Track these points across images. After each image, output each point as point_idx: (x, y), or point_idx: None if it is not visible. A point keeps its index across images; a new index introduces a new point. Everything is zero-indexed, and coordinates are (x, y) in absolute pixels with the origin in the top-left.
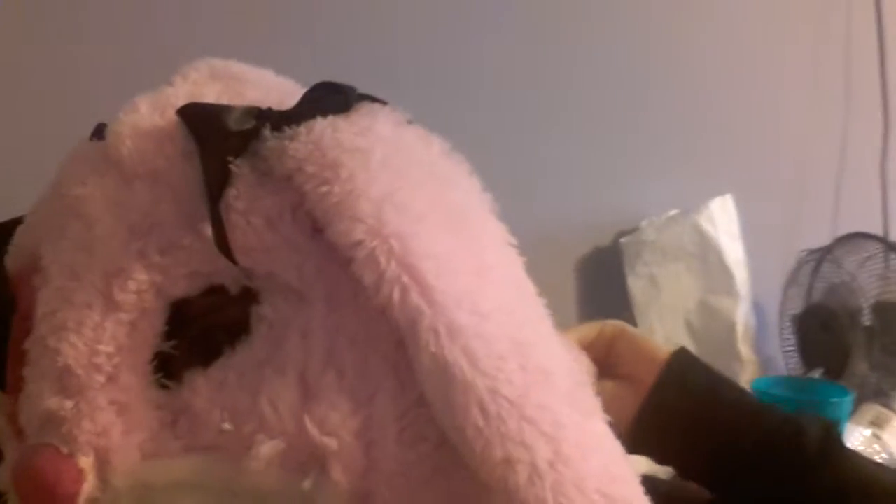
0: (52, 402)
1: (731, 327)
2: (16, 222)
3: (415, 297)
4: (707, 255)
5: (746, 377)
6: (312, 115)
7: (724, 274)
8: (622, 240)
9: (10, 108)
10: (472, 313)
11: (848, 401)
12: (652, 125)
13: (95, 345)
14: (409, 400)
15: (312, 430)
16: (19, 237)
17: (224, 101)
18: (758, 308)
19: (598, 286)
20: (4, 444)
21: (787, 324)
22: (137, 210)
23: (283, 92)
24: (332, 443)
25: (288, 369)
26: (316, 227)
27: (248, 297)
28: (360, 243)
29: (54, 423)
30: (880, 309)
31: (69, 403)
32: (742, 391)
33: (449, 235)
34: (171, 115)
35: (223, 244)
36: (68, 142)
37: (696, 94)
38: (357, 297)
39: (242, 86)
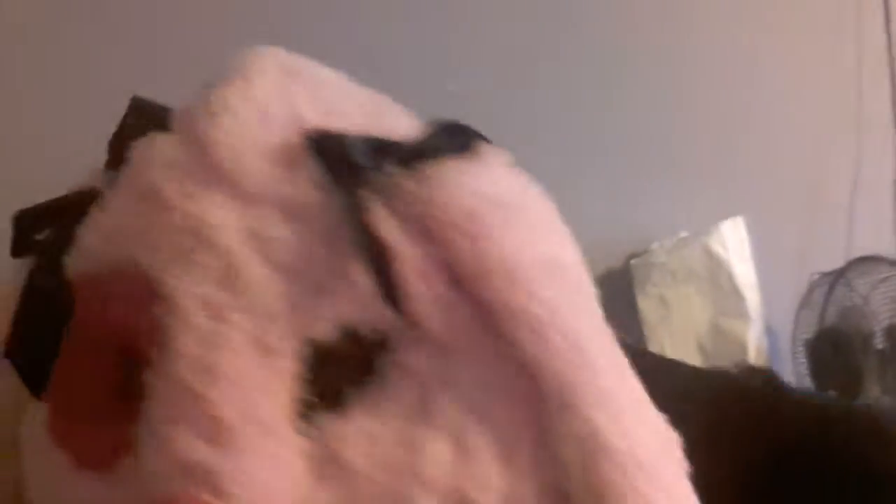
0: (200, 451)
1: (742, 350)
2: (54, 209)
3: (566, 363)
4: (718, 277)
5: None
6: (439, 155)
7: (735, 296)
8: (632, 261)
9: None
10: (613, 377)
11: None
12: (662, 147)
13: (249, 392)
14: (546, 456)
15: (466, 485)
16: (90, 238)
17: (318, 110)
18: (770, 331)
19: (608, 307)
20: (32, 454)
21: (800, 347)
22: (282, 248)
23: (371, 105)
24: (484, 499)
25: (439, 424)
26: (457, 277)
27: (384, 343)
28: (512, 305)
29: (201, 472)
30: (893, 332)
31: (219, 453)
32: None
33: (576, 295)
34: (278, 127)
35: (390, 293)
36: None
37: (707, 115)
38: (502, 352)
39: (325, 90)
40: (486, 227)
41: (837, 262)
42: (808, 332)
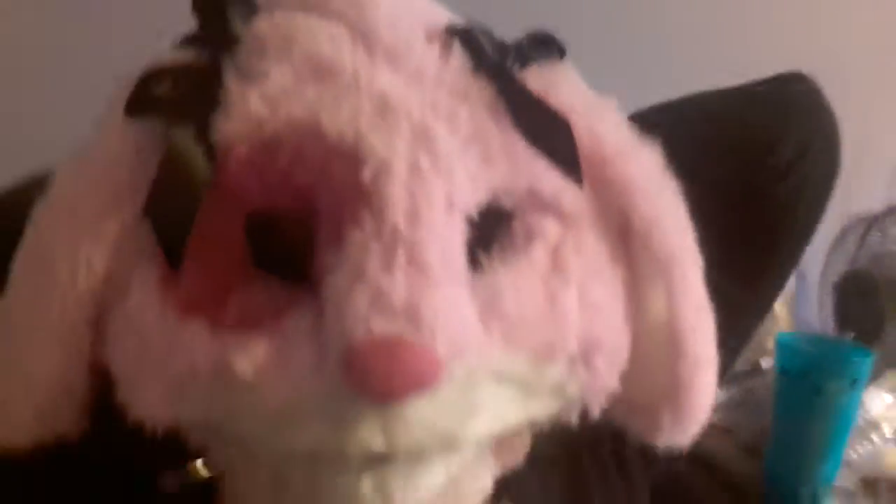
0: (404, 291)
1: None
2: (180, 70)
3: (674, 247)
4: None
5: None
6: (542, 58)
7: None
8: None
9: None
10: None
11: (868, 361)
12: None
13: (446, 241)
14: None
15: (594, 331)
16: (253, 103)
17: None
18: (799, 273)
19: None
20: (138, 332)
21: (828, 289)
22: (460, 119)
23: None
24: (607, 339)
25: (571, 282)
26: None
27: (519, 209)
28: (631, 177)
29: (404, 311)
30: None
31: (422, 294)
32: None
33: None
34: (418, 13)
35: (573, 164)
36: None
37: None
38: (610, 221)
39: None
40: (596, 115)
41: (877, 208)
42: (838, 274)
